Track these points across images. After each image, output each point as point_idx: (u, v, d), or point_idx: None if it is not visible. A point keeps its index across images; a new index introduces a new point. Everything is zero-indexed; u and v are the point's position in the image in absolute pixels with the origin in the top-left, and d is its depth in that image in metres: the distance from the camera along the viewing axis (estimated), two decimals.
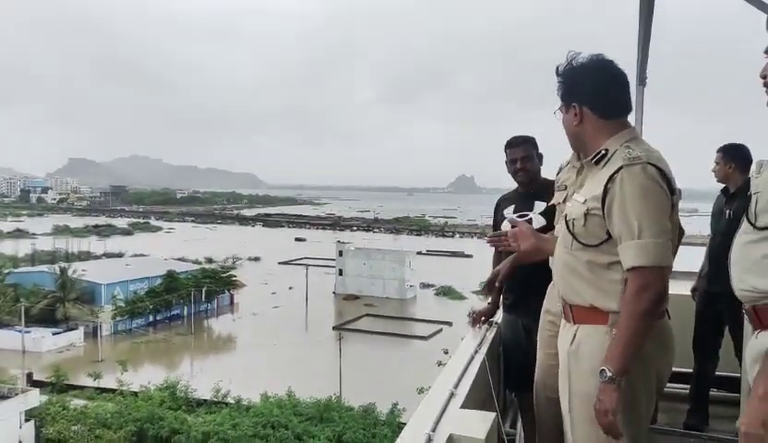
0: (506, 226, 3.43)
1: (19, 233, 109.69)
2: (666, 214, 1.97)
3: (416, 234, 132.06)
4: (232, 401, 33.08)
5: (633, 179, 1.95)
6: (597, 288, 2.07)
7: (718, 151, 4.08)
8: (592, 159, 2.14)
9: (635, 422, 2.03)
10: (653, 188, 1.95)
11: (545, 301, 2.92)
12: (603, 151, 2.10)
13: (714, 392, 4.17)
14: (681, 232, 3.30)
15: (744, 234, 1.91)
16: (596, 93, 2.14)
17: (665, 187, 1.97)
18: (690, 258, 4.15)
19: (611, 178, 1.99)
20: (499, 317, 3.60)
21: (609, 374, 1.90)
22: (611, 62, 2.16)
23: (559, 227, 2.84)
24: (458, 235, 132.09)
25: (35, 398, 31.70)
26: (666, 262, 1.94)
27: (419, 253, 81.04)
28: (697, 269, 4.39)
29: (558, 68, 2.20)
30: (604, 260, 2.05)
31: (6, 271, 57.34)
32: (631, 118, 2.25)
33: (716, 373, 4.11)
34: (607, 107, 2.14)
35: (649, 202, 1.94)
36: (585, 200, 2.08)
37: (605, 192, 2.00)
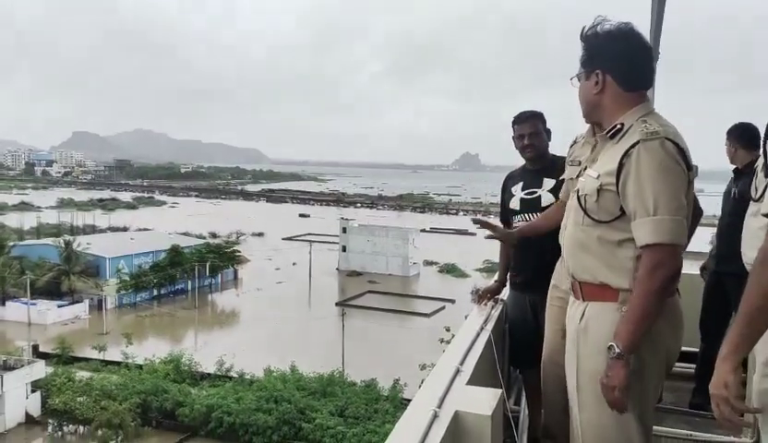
0: (514, 203, 3.40)
1: (24, 206, 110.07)
2: (682, 191, 1.92)
3: (420, 212, 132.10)
4: (235, 375, 33.38)
5: (650, 154, 1.90)
6: (608, 265, 2.03)
7: (727, 133, 4.05)
8: (607, 133, 2.08)
9: (643, 400, 2.01)
10: (670, 165, 1.90)
11: (553, 276, 2.89)
12: (618, 126, 2.04)
13: None
14: (699, 212, 3.26)
15: (750, 208, 1.88)
16: (622, 62, 2.06)
17: (682, 164, 1.92)
18: (695, 238, 4.13)
19: (627, 153, 1.94)
20: (505, 294, 3.57)
21: (618, 350, 1.88)
22: (639, 32, 2.09)
23: (571, 202, 2.80)
24: (462, 213, 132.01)
25: (41, 369, 32.11)
26: (681, 240, 1.90)
27: (423, 230, 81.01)
28: (701, 249, 4.35)
29: (583, 31, 2.10)
30: (615, 237, 2.01)
31: (12, 244, 57.55)
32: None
33: None
34: (631, 78, 2.07)
35: (666, 178, 1.89)
36: (599, 175, 2.03)
37: (620, 167, 1.95)
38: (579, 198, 2.12)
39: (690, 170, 1.95)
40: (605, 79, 2.07)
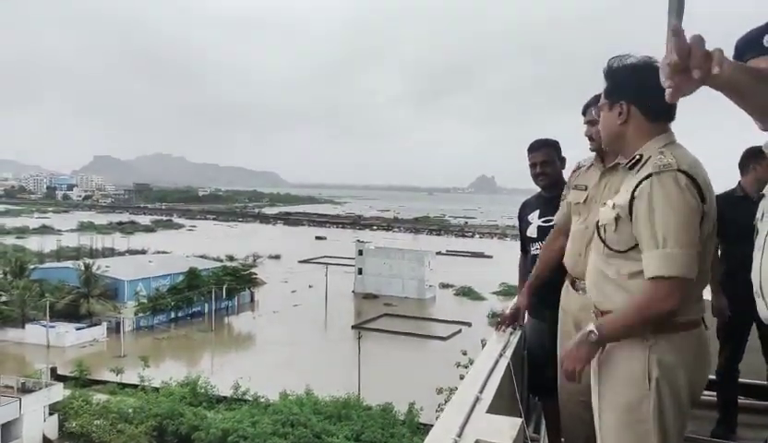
0: (531, 231, 3.41)
1: (45, 230, 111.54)
2: (693, 224, 1.90)
3: (436, 234, 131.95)
4: (251, 399, 33.29)
5: (661, 187, 1.89)
6: (629, 295, 2.02)
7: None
8: (626, 164, 2.09)
9: (668, 434, 1.98)
10: (681, 197, 1.88)
11: (561, 301, 2.89)
12: (638, 157, 2.04)
13: (742, 400, 4.08)
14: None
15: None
16: (646, 94, 2.04)
17: (695, 196, 1.90)
18: None
19: (638, 186, 1.94)
20: (524, 320, 3.56)
21: (596, 336, 1.97)
22: None
23: (577, 228, 2.81)
24: (478, 236, 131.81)
25: (59, 392, 32.27)
26: (690, 274, 1.87)
27: (439, 253, 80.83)
28: None
29: (608, 65, 2.13)
30: (634, 267, 2.00)
31: (32, 267, 58.22)
32: None
33: (746, 381, 4.02)
34: (655, 109, 2.07)
35: (676, 211, 1.87)
36: (614, 205, 2.04)
37: (631, 199, 1.96)
38: (598, 228, 2.12)
39: (704, 202, 1.93)
40: (629, 110, 2.07)
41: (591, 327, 1.99)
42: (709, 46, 1.25)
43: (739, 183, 3.88)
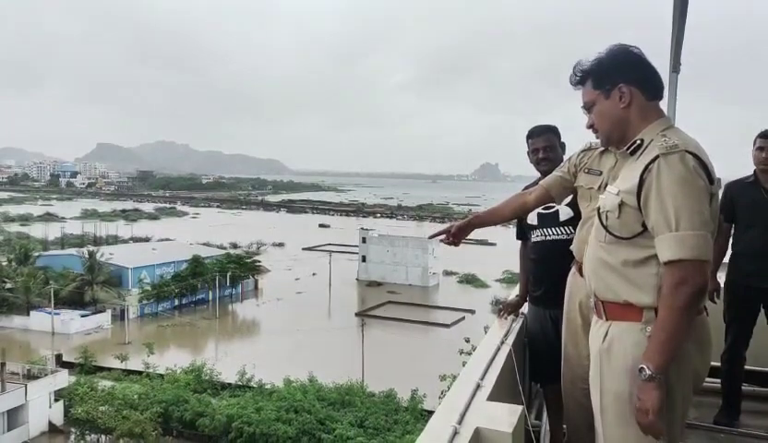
0: (532, 218, 3.38)
1: (49, 217, 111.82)
2: (705, 205, 1.87)
3: (440, 222, 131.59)
4: (255, 386, 33.46)
5: (671, 168, 1.87)
6: (631, 283, 1.99)
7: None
8: (627, 149, 2.06)
9: (670, 422, 1.96)
10: (690, 178, 1.86)
11: (566, 290, 2.85)
12: (638, 141, 2.02)
13: (746, 387, 4.07)
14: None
15: None
16: (642, 71, 2.05)
17: (703, 177, 1.88)
18: None
19: (647, 168, 1.91)
20: (526, 308, 3.55)
21: (649, 372, 1.83)
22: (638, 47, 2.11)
23: (589, 214, 2.73)
24: None
25: (64, 378, 32.46)
26: (705, 256, 1.84)
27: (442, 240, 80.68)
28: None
29: (590, 61, 2.11)
30: (639, 254, 1.98)
31: (37, 254, 58.44)
32: (663, 105, 2.18)
33: (750, 367, 4.01)
34: (654, 85, 2.06)
35: (687, 192, 1.85)
36: (619, 192, 2.00)
37: (640, 182, 1.92)
38: (600, 215, 2.09)
39: (711, 183, 1.91)
40: (631, 92, 2.04)
41: (641, 365, 1.87)
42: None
43: (755, 170, 3.89)
